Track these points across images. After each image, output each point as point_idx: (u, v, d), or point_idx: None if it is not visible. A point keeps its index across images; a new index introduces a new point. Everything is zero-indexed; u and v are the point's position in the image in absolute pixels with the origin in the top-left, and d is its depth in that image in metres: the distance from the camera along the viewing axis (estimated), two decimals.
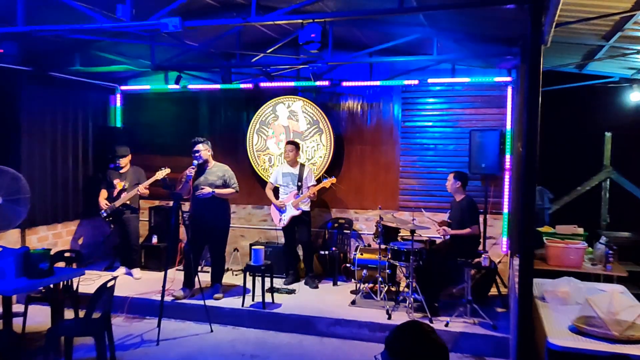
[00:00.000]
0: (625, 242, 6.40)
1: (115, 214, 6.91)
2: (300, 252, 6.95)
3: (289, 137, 7.38)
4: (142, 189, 6.82)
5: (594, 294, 3.68)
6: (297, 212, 6.60)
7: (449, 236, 5.87)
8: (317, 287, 6.64)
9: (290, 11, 4.15)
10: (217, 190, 6.07)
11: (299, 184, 6.63)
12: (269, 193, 6.82)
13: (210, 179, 6.13)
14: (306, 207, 6.68)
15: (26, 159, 6.62)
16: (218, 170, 6.22)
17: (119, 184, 6.94)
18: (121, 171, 6.99)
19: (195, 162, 6.05)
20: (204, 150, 6.13)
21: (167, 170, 6.64)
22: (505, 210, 6.66)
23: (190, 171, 5.97)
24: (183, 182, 6.03)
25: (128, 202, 6.92)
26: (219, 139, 7.55)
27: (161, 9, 4.14)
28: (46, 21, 4.44)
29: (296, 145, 6.77)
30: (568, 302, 3.64)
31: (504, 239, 6.69)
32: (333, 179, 6.59)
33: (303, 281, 6.81)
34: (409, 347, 1.74)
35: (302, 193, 6.59)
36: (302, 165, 6.79)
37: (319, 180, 6.80)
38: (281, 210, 6.67)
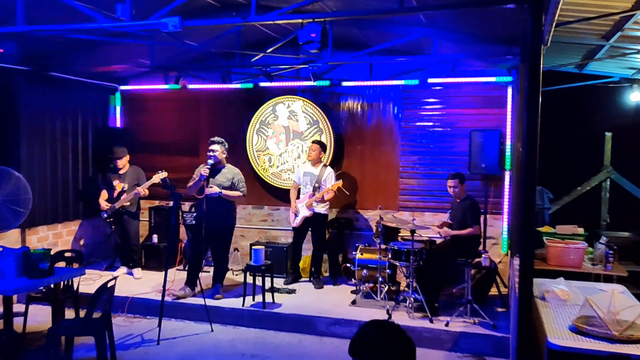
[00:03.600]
0: (625, 242, 6.40)
1: (116, 215, 6.91)
2: (304, 253, 6.97)
3: (289, 137, 7.39)
4: (142, 190, 6.80)
5: (594, 293, 3.69)
6: (308, 213, 6.57)
7: (449, 237, 5.87)
8: (321, 287, 6.64)
9: (290, 11, 4.14)
10: (224, 192, 6.07)
11: (316, 185, 6.61)
12: (292, 192, 6.85)
13: (219, 180, 6.12)
14: (321, 210, 6.62)
15: (26, 159, 6.62)
16: (228, 173, 6.21)
17: (118, 185, 6.92)
18: (120, 172, 6.98)
19: (210, 161, 6.05)
20: (219, 151, 6.13)
21: (164, 174, 6.63)
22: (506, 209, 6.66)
23: (205, 171, 5.97)
24: (195, 180, 6.04)
25: (128, 204, 6.90)
26: None
27: (161, 9, 4.14)
28: (46, 21, 4.44)
29: (321, 145, 6.75)
30: (568, 302, 3.65)
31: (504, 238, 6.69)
32: (340, 182, 6.58)
33: (306, 281, 6.82)
34: (374, 344, 1.69)
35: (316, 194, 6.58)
36: (325, 167, 6.77)
37: None
38: (296, 214, 6.68)
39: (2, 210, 5.47)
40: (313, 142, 6.80)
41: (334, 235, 7.25)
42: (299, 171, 6.89)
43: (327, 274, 7.09)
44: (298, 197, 6.82)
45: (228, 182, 6.15)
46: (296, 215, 6.68)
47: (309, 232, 6.79)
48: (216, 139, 6.19)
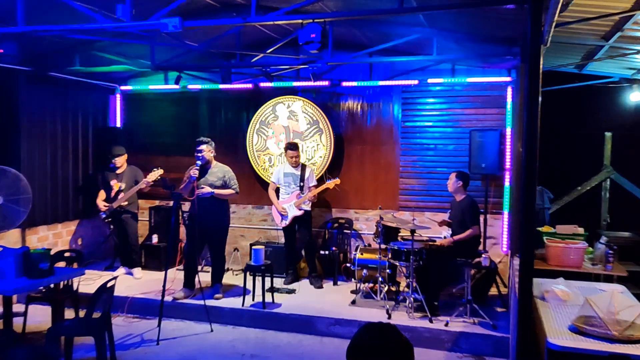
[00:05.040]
0: (626, 242, 6.40)
1: (114, 215, 6.91)
2: (302, 252, 6.96)
3: (289, 137, 7.38)
4: (150, 177, 6.69)
5: (594, 293, 3.69)
6: (299, 213, 6.60)
7: (452, 243, 5.83)
8: (321, 286, 6.64)
9: (290, 11, 4.15)
10: (216, 191, 6.08)
11: (301, 184, 6.63)
12: (272, 194, 6.82)
13: (210, 179, 6.13)
14: (307, 207, 6.69)
15: (26, 159, 6.62)
16: (218, 171, 6.22)
17: (115, 184, 6.92)
18: (118, 172, 6.98)
19: (199, 162, 6.05)
20: (207, 151, 6.14)
21: (160, 171, 6.65)
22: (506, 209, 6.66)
23: (194, 172, 5.98)
24: (186, 183, 6.04)
25: (125, 204, 6.89)
26: (218, 139, 7.47)
27: (161, 9, 4.14)
28: (46, 21, 4.44)
29: (298, 148, 6.72)
30: (568, 302, 3.65)
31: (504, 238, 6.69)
32: (337, 180, 6.59)
33: (305, 280, 6.82)
34: (371, 348, 1.68)
35: (304, 193, 6.58)
36: (304, 166, 6.78)
37: (320, 180, 6.81)
38: (284, 216, 6.67)
39: (3, 210, 5.47)
40: (290, 148, 6.63)
41: (334, 235, 7.26)
42: (278, 172, 6.83)
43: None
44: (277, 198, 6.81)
45: (219, 181, 6.16)
46: (284, 216, 6.67)
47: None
48: (202, 139, 6.19)
